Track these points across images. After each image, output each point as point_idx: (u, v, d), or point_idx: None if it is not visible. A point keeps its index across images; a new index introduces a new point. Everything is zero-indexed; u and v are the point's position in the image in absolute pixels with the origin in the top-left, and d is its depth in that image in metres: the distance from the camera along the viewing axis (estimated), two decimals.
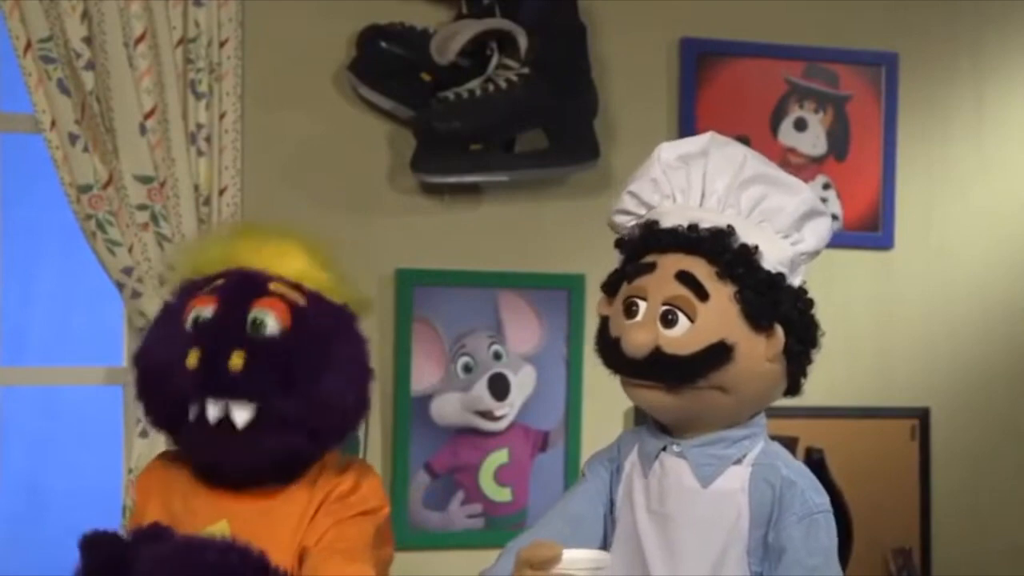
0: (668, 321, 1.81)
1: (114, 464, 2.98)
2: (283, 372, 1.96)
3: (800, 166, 3.22)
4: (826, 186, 3.24)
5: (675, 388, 1.82)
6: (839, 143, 3.27)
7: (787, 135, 3.22)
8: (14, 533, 4.34)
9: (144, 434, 2.81)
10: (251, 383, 1.94)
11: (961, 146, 3.37)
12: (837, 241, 3.20)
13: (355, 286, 2.14)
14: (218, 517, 1.98)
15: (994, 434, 3.39)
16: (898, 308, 3.34)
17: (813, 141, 3.25)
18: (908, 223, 3.32)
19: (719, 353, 1.79)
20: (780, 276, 1.83)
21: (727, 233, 1.82)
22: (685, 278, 1.81)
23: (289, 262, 2.08)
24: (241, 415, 1.95)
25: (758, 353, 1.81)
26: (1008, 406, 3.41)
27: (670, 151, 1.92)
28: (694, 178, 1.88)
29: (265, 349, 1.96)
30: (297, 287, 2.04)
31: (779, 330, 1.82)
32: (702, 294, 1.81)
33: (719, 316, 1.80)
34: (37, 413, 4.37)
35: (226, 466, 2.02)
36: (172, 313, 2.05)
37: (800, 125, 3.24)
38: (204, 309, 1.99)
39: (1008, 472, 3.41)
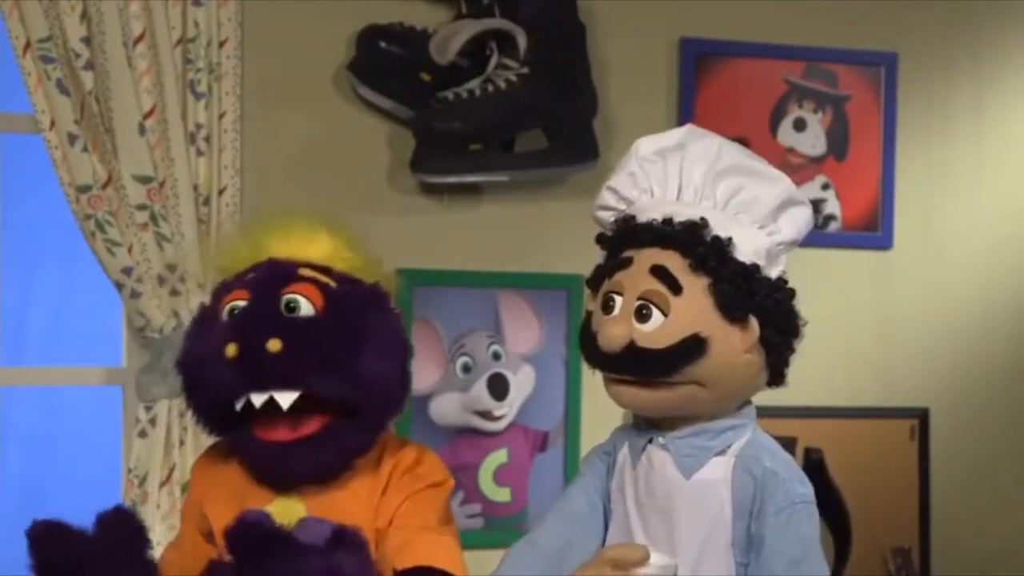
0: (642, 315, 1.81)
1: (114, 464, 2.98)
2: (321, 352, 1.96)
3: (799, 166, 3.22)
4: (825, 186, 3.24)
5: (651, 383, 1.82)
6: (838, 143, 3.27)
7: (786, 135, 3.22)
8: (14, 533, 4.34)
9: (144, 434, 2.81)
10: (290, 367, 1.94)
11: (961, 146, 3.37)
12: (837, 241, 3.24)
13: (382, 264, 2.14)
14: (286, 492, 1.99)
15: (994, 434, 3.39)
16: (898, 308, 3.34)
17: (812, 141, 3.25)
18: (908, 223, 3.32)
19: (693, 346, 1.79)
20: (755, 267, 1.82)
21: (700, 226, 1.82)
22: (659, 272, 1.82)
23: (317, 247, 2.08)
24: (285, 399, 1.94)
25: (733, 345, 1.81)
26: (1008, 406, 3.41)
27: (648, 145, 1.92)
28: (671, 171, 1.88)
29: (301, 331, 1.96)
30: (326, 271, 2.05)
31: (753, 321, 1.81)
32: (675, 288, 1.81)
33: (693, 309, 1.80)
34: (37, 413, 4.37)
35: (285, 475, 2.00)
36: (208, 313, 2.06)
37: (799, 125, 3.24)
38: (238, 302, 2.00)
39: (1008, 472, 3.41)
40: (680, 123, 3.14)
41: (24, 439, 4.44)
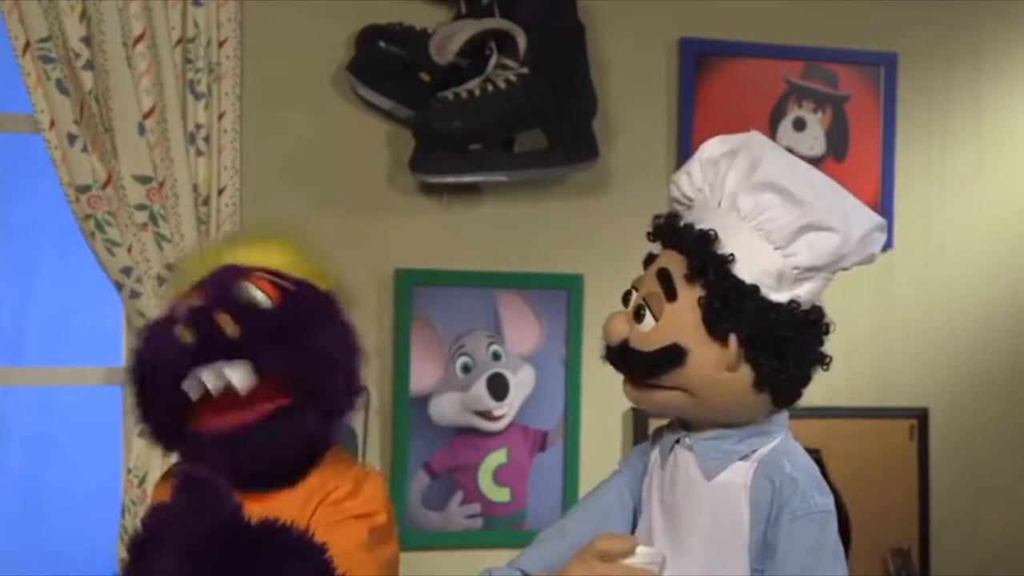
0: (638, 316, 1.84)
1: (113, 464, 2.98)
2: (274, 332, 1.96)
3: None
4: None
5: (635, 382, 1.86)
6: (838, 143, 3.27)
7: (786, 135, 3.22)
8: (13, 533, 4.35)
9: (144, 434, 2.80)
10: (243, 340, 1.93)
11: (960, 146, 3.37)
12: None
13: (339, 280, 2.13)
14: None
15: (993, 434, 3.39)
16: (897, 308, 3.33)
17: (812, 141, 3.25)
18: (908, 223, 3.32)
19: (671, 355, 1.80)
20: (753, 288, 1.80)
21: (709, 238, 1.81)
22: (663, 276, 1.83)
23: (275, 256, 2.09)
24: (238, 377, 1.92)
25: (711, 360, 1.80)
26: (1007, 406, 3.41)
27: (711, 147, 1.91)
28: (719, 176, 1.88)
29: (255, 315, 1.97)
30: (282, 275, 2.05)
31: (733, 340, 1.79)
32: (671, 294, 1.82)
33: (680, 318, 1.81)
34: (37, 413, 4.38)
35: (242, 468, 1.98)
36: (159, 320, 2.06)
37: (799, 125, 3.24)
38: (193, 299, 2.01)
39: (1007, 472, 3.41)
40: (680, 123, 3.15)
41: (24, 439, 4.44)
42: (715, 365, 1.80)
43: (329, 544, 1.91)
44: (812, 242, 1.83)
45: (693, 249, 1.82)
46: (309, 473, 2.02)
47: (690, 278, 1.81)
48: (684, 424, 1.91)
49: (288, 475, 2.01)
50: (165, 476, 2.18)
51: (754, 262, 1.81)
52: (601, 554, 1.79)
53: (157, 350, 1.99)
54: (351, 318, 2.08)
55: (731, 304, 1.79)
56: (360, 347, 2.07)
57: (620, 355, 1.85)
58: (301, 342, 1.97)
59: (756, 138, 1.91)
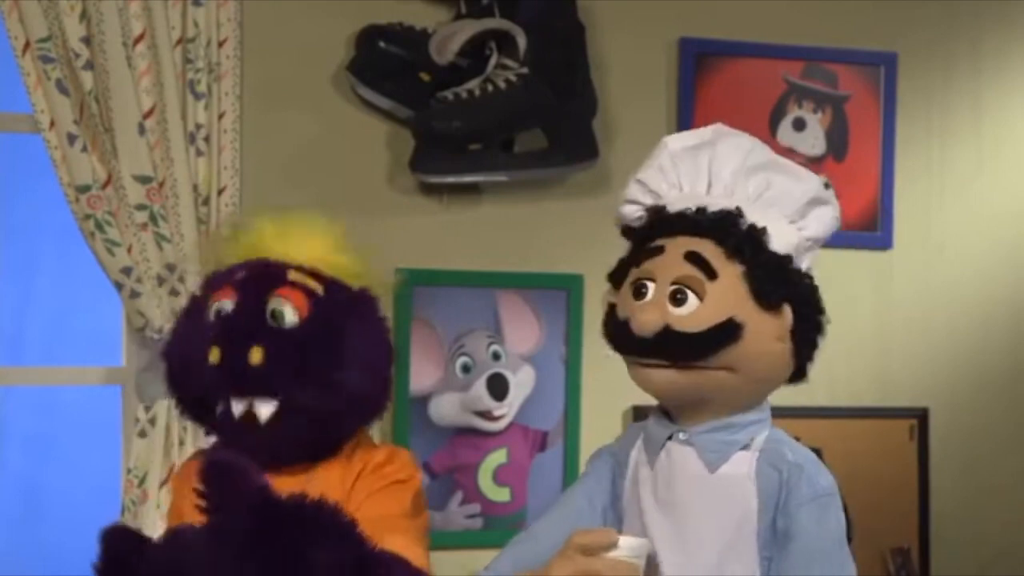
0: (677, 300, 1.82)
1: (113, 464, 2.99)
2: (301, 364, 2.03)
3: None
4: (825, 186, 3.23)
5: (684, 366, 1.83)
6: (838, 143, 3.27)
7: (786, 135, 3.22)
8: (13, 533, 4.35)
9: (143, 434, 2.81)
10: (271, 378, 2.02)
11: (960, 146, 3.38)
12: (836, 241, 3.20)
13: (374, 268, 2.20)
14: None
15: (993, 434, 3.40)
16: (897, 308, 3.34)
17: (812, 141, 3.25)
18: (907, 223, 3.32)
19: (729, 330, 1.80)
20: (787, 258, 1.85)
21: (735, 215, 1.84)
22: (694, 258, 1.83)
23: (310, 247, 2.14)
24: (264, 409, 2.02)
25: (767, 332, 1.82)
26: (1007, 406, 3.41)
27: (678, 142, 1.94)
28: (701, 166, 1.90)
29: (283, 341, 2.03)
30: (315, 274, 2.10)
31: (787, 309, 1.83)
32: (711, 273, 1.82)
33: (728, 294, 1.82)
34: (37, 413, 4.38)
35: (254, 456, 2.04)
36: (197, 306, 2.13)
37: (799, 125, 3.24)
38: (225, 302, 2.07)
39: (1007, 472, 3.41)
40: (679, 123, 3.15)
41: (24, 439, 4.44)
42: (770, 336, 1.83)
43: (373, 511, 1.99)
44: (819, 215, 1.91)
45: (724, 228, 1.84)
46: (341, 451, 2.11)
47: (729, 255, 1.83)
48: (671, 419, 1.91)
49: (317, 456, 2.09)
50: (192, 459, 2.23)
51: (778, 234, 1.86)
52: (583, 548, 1.79)
53: (187, 360, 2.08)
54: (381, 314, 2.16)
55: (775, 274, 1.83)
56: (389, 353, 2.15)
57: (664, 342, 1.82)
58: (327, 375, 2.05)
59: (725, 129, 1.96)
